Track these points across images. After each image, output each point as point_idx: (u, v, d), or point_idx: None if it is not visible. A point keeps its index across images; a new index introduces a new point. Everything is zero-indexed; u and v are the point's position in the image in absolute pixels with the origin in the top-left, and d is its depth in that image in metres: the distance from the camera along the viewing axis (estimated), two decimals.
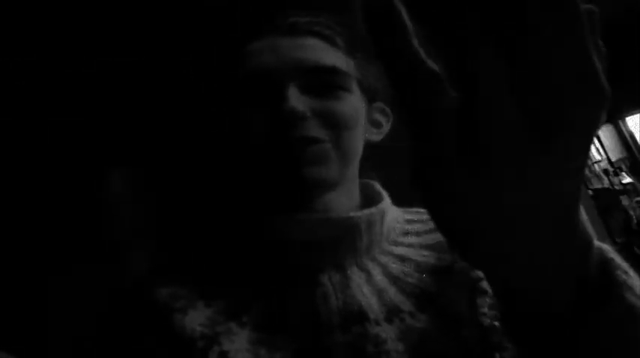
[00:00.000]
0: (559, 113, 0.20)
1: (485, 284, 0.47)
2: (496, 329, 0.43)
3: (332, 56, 0.52)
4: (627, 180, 3.71)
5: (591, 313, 0.24)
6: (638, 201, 3.60)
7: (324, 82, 0.50)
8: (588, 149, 0.22)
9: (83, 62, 0.84)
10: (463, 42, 0.19)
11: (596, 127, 0.21)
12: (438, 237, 0.53)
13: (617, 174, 3.73)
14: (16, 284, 0.76)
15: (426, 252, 0.52)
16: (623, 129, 3.86)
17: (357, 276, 0.48)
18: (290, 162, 0.47)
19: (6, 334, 0.59)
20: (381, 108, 0.61)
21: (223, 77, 0.53)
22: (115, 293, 0.54)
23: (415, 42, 0.20)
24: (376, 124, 0.60)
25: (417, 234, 0.55)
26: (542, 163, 0.21)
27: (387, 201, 0.55)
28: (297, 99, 0.47)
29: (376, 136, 0.59)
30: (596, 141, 3.62)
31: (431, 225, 0.55)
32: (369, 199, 0.55)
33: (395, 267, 0.50)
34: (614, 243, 3.05)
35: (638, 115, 3.75)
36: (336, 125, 0.49)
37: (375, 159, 0.59)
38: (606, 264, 0.27)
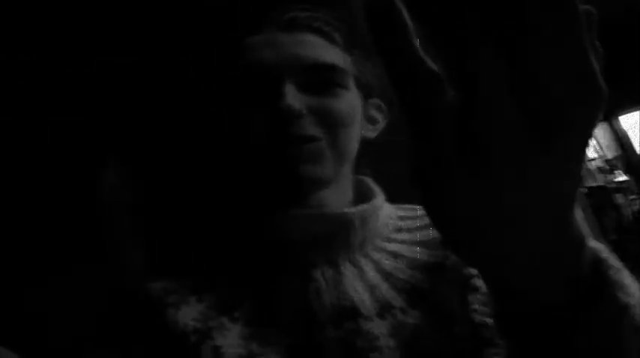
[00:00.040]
0: (559, 113, 0.20)
1: (477, 281, 0.47)
2: (487, 326, 0.43)
3: (331, 53, 0.52)
4: (621, 178, 3.73)
5: (584, 312, 0.24)
6: (632, 200, 3.62)
7: (322, 80, 0.50)
8: (586, 148, 0.22)
9: (80, 61, 0.83)
10: (463, 42, 0.19)
11: (595, 127, 0.21)
12: (430, 233, 0.54)
13: (611, 173, 3.75)
14: (16, 284, 0.76)
15: (418, 249, 0.52)
16: (618, 127, 3.88)
17: (349, 272, 0.48)
18: (287, 160, 0.47)
19: (6, 334, 0.59)
20: (377, 105, 0.61)
21: (222, 72, 0.53)
22: (115, 293, 0.54)
23: (416, 41, 0.20)
24: (372, 121, 0.60)
25: (410, 230, 0.55)
26: (542, 163, 0.21)
27: (380, 197, 0.55)
28: (293, 97, 0.47)
29: (372, 133, 0.59)
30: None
31: (423, 221, 0.56)
32: (363, 196, 0.56)
33: (387, 263, 0.50)
34: (607, 241, 3.07)
35: (632, 114, 3.77)
36: (332, 123, 0.49)
37: (370, 155, 0.59)
38: (599, 263, 0.27)
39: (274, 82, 0.48)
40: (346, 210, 0.50)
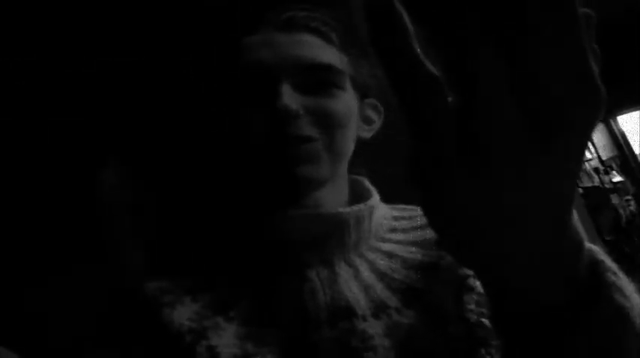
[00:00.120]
0: (559, 113, 0.20)
1: (472, 281, 0.47)
2: (482, 326, 0.44)
3: (328, 54, 0.52)
4: (617, 178, 3.74)
5: (581, 314, 0.24)
6: (627, 200, 3.63)
7: (318, 80, 0.50)
8: (585, 149, 0.22)
9: (80, 61, 0.83)
10: (463, 42, 0.19)
11: (595, 127, 0.21)
12: (425, 233, 0.54)
13: (607, 173, 3.76)
14: (16, 284, 0.76)
15: (413, 249, 0.52)
16: (615, 127, 3.89)
17: (344, 272, 0.48)
18: (285, 160, 0.47)
19: (6, 334, 0.59)
20: (373, 105, 0.61)
21: (221, 72, 0.53)
22: (115, 293, 0.54)
23: (415, 43, 0.20)
24: (368, 121, 0.60)
25: (405, 230, 0.56)
26: (542, 163, 0.21)
27: (375, 197, 0.55)
28: (290, 97, 0.47)
29: (367, 133, 0.59)
30: None
31: (418, 221, 0.56)
32: (358, 196, 0.56)
33: (382, 263, 0.50)
34: (603, 241, 3.08)
35: (629, 114, 3.78)
36: (329, 124, 0.49)
37: (365, 154, 0.59)
38: (596, 265, 0.27)
39: (272, 82, 0.48)
40: (341, 209, 0.50)
